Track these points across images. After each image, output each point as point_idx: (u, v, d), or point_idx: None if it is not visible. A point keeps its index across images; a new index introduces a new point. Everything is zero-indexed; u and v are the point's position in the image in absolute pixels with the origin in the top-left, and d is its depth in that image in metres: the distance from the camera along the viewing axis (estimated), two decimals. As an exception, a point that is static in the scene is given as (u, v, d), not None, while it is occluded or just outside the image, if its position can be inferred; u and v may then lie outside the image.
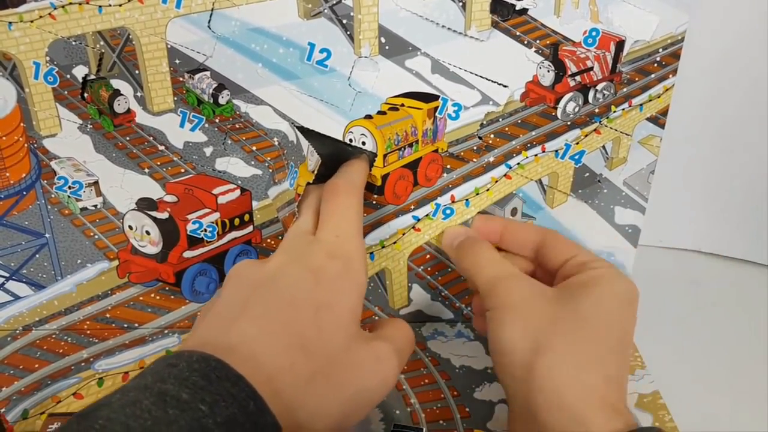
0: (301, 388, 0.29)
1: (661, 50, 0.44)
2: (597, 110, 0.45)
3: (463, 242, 0.43)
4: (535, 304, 0.36)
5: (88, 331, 0.48)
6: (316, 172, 0.39)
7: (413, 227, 0.47)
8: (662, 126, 0.46)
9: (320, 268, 0.33)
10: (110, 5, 0.40)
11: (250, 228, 0.47)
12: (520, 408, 0.35)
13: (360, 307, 0.34)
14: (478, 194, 0.46)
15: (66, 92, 0.43)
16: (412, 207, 0.46)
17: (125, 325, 0.49)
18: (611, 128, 0.46)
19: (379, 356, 0.33)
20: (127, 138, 0.44)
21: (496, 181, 0.46)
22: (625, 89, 0.45)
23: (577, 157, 0.46)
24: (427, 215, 0.47)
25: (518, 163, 0.46)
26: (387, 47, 0.42)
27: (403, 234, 0.47)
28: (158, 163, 0.45)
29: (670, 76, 0.45)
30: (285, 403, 0.28)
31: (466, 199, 0.46)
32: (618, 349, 0.35)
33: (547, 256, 0.41)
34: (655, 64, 0.44)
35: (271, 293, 0.32)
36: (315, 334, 0.31)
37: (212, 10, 0.41)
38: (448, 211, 0.47)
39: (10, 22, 0.40)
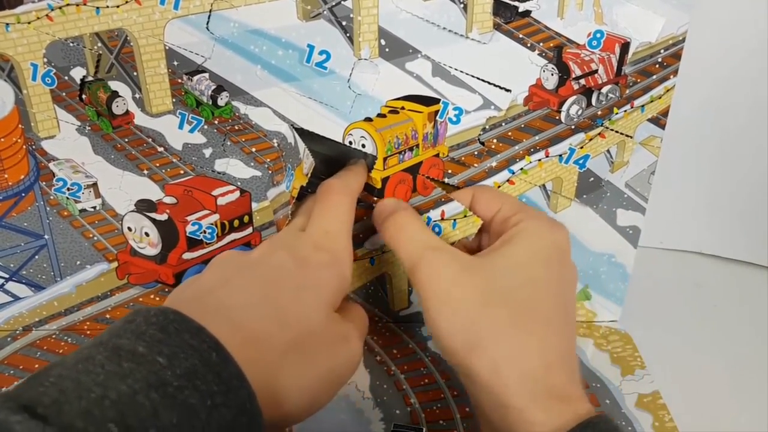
0: (276, 358, 0.29)
1: (662, 51, 0.43)
2: (599, 112, 0.45)
3: (389, 215, 0.39)
4: (460, 284, 0.33)
5: (89, 332, 0.49)
6: (310, 175, 0.39)
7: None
8: (663, 127, 0.46)
9: (306, 257, 0.33)
10: (108, 6, 0.40)
11: (249, 230, 0.47)
12: (476, 404, 0.34)
13: (340, 297, 0.34)
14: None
15: (64, 94, 0.42)
16: (414, 211, 0.46)
17: (125, 326, 0.49)
18: (613, 130, 0.45)
19: (347, 336, 0.33)
20: (126, 139, 0.44)
21: (499, 186, 0.46)
22: (627, 90, 0.44)
23: (581, 161, 0.46)
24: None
25: (521, 168, 0.46)
26: (387, 49, 0.42)
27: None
28: (157, 165, 0.45)
29: (671, 76, 0.44)
30: (259, 371, 0.28)
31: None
32: (556, 318, 0.32)
33: (478, 214, 0.39)
34: (657, 65, 0.44)
35: (253, 273, 0.32)
36: (294, 309, 0.31)
37: (210, 11, 0.40)
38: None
39: (7, 24, 0.40)
